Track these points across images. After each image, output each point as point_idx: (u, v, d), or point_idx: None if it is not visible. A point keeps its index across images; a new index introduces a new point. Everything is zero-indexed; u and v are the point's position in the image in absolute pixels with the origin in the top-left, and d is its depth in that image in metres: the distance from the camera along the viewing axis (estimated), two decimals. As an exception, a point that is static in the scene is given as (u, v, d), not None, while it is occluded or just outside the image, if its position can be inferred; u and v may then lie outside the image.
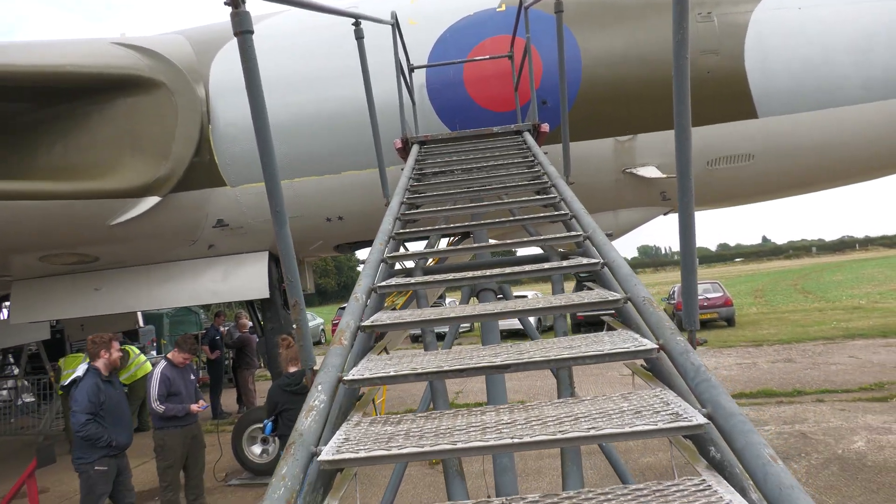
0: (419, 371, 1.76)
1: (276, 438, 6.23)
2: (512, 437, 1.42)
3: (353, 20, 4.36)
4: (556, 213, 3.30)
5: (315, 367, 2.15)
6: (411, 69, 6.21)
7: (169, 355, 6.55)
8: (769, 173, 6.41)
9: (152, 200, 6.49)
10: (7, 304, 9.43)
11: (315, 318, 27.98)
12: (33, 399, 12.77)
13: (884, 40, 5.74)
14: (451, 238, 7.48)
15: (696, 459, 1.50)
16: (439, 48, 6.48)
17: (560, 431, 1.42)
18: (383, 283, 2.52)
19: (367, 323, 2.14)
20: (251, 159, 6.40)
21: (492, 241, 3.67)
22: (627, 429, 1.39)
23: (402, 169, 4.70)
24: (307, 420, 1.56)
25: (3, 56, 6.16)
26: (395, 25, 5.28)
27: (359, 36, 4.43)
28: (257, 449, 8.10)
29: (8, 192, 6.00)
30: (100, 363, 5.64)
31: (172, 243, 7.39)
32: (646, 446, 7.52)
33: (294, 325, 2.30)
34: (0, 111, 6.41)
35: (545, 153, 4.63)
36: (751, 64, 5.87)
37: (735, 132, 6.07)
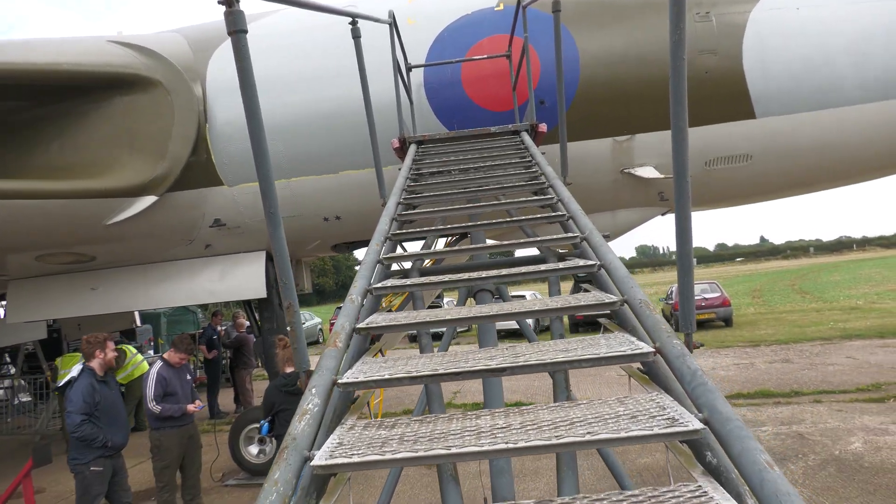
0: (414, 374, 1.75)
1: (273, 439, 6.22)
2: (506, 442, 1.40)
3: (350, 19, 4.34)
4: (554, 213, 3.29)
5: (311, 369, 2.14)
6: (409, 68, 6.19)
7: (165, 355, 6.53)
8: (767, 174, 6.40)
9: (149, 200, 6.46)
10: (3, 303, 9.40)
11: (313, 318, 27.96)
12: (30, 398, 12.74)
13: (882, 41, 5.73)
14: (449, 238, 7.47)
15: (692, 465, 1.49)
16: (437, 47, 6.46)
17: (555, 436, 1.41)
18: (379, 285, 2.50)
19: (362, 325, 2.12)
20: (248, 159, 6.33)
21: (489, 242, 3.66)
22: (623, 434, 1.38)
23: (400, 169, 4.68)
24: (300, 424, 1.55)
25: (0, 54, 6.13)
26: (393, 24, 5.26)
27: (355, 35, 4.41)
28: (254, 449, 8.08)
29: (4, 191, 5.98)
30: (95, 363, 5.62)
31: (169, 243, 7.37)
32: (643, 447, 7.52)
33: (288, 328, 2.29)
34: (-4, 109, 6.39)
35: (543, 153, 4.62)
36: (749, 64, 5.86)
37: (733, 132, 6.06)
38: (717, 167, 6.27)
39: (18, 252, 7.23)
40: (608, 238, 2.85)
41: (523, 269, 2.66)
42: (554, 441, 1.38)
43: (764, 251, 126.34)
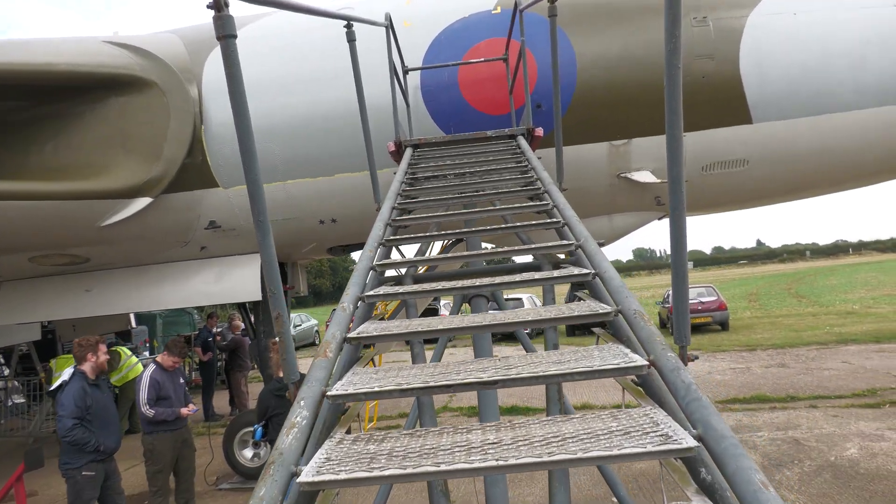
0: (405, 387, 1.72)
1: (267, 443, 6.18)
2: (497, 459, 1.38)
3: (346, 23, 4.31)
4: (549, 220, 3.27)
5: (300, 379, 2.10)
6: (406, 71, 6.17)
7: (158, 359, 6.49)
8: (764, 179, 6.39)
9: (144, 201, 6.43)
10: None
11: (309, 320, 27.89)
12: (24, 400, 12.67)
13: (879, 46, 5.73)
14: (444, 243, 7.44)
15: (686, 482, 1.46)
16: (434, 50, 6.43)
17: (547, 453, 1.38)
18: (371, 293, 2.47)
19: (353, 335, 2.10)
20: (244, 161, 6.34)
21: (483, 249, 3.64)
22: (615, 451, 1.36)
23: (395, 172, 4.65)
24: (288, 438, 1.52)
25: None
26: (389, 27, 5.23)
27: (350, 39, 4.38)
28: (248, 453, 8.04)
29: (-2, 193, 5.94)
30: (86, 367, 5.58)
31: (164, 245, 7.33)
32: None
33: (277, 338, 2.26)
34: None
35: (539, 158, 4.60)
36: (746, 69, 5.85)
37: (730, 137, 6.05)
38: (714, 172, 6.26)
39: (11, 253, 7.18)
40: (603, 245, 2.83)
41: (517, 277, 2.64)
42: (545, 458, 1.36)
43: (760, 254, 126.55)
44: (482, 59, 6.20)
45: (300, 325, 25.88)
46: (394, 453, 1.49)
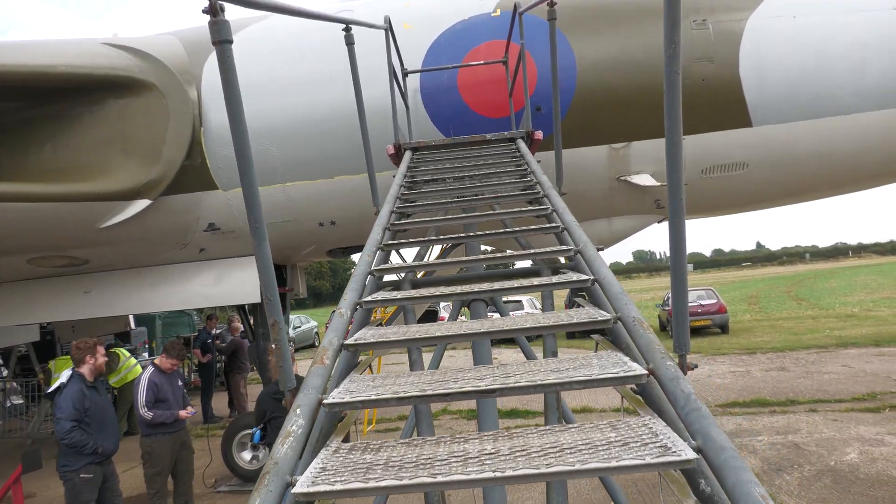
0: (402, 395, 1.71)
1: (266, 446, 6.17)
2: (494, 470, 1.36)
3: (344, 25, 4.30)
4: (548, 225, 3.26)
5: (296, 385, 2.09)
6: (405, 74, 6.15)
7: (156, 361, 6.47)
8: (763, 182, 6.38)
9: (143, 203, 6.42)
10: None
11: (309, 321, 27.88)
12: (22, 401, 12.65)
13: (878, 50, 5.72)
14: (443, 246, 7.43)
15: (685, 493, 1.45)
16: (434, 53, 6.42)
17: (544, 464, 1.36)
18: (369, 299, 2.46)
19: (350, 341, 2.08)
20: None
21: (482, 253, 3.62)
22: (614, 463, 1.34)
23: (394, 175, 4.64)
24: (283, 447, 1.50)
25: None
26: (389, 30, 5.22)
27: (349, 42, 4.37)
28: (247, 455, 8.01)
29: (-3, 194, 5.93)
30: (84, 369, 5.56)
31: (163, 247, 7.31)
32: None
33: (273, 345, 2.24)
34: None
35: (539, 161, 4.58)
36: (746, 72, 5.84)
37: (730, 140, 6.04)
38: (714, 175, 6.24)
39: (10, 255, 7.17)
40: (602, 249, 2.82)
41: (516, 283, 2.62)
42: (543, 470, 1.34)
43: (760, 257, 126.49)
44: (482, 62, 6.19)
45: (300, 327, 25.88)
46: (390, 463, 1.48)
